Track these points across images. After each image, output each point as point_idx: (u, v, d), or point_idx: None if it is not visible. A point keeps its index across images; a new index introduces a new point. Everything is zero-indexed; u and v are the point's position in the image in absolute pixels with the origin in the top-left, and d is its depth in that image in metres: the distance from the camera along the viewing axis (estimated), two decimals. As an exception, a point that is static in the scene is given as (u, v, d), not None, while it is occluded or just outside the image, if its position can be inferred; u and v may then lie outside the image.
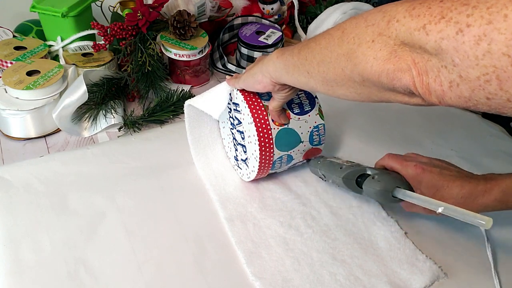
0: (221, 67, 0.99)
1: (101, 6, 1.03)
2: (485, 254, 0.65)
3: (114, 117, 0.81)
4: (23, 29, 0.96)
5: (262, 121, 0.64)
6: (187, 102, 0.71)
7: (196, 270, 0.61)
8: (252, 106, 0.65)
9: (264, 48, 0.96)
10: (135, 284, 0.59)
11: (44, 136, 0.80)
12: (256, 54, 0.96)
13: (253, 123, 0.64)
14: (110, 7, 1.04)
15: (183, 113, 0.87)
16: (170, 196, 0.70)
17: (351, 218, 0.68)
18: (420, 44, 0.36)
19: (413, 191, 0.61)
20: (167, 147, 0.79)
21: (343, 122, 0.88)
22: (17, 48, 0.87)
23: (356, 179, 0.64)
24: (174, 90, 0.88)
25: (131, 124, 0.81)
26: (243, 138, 0.69)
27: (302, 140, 0.68)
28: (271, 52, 0.74)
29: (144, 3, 0.88)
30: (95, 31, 0.89)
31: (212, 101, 0.68)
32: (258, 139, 0.64)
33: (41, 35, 0.95)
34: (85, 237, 0.64)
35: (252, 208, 0.68)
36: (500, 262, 0.64)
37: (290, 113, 0.66)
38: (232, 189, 0.72)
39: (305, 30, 1.06)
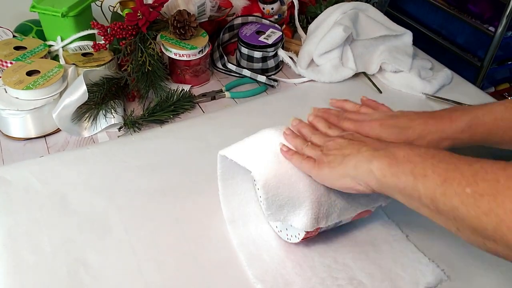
0: (221, 66, 0.99)
1: (101, 6, 1.03)
2: (488, 256, 0.64)
3: (114, 117, 0.81)
4: (23, 29, 0.96)
5: None
6: (222, 153, 0.61)
7: (196, 271, 0.60)
8: None
9: (264, 48, 0.96)
10: (135, 284, 0.59)
11: (44, 136, 0.80)
12: (256, 54, 0.96)
13: None
14: (110, 7, 1.04)
15: (183, 113, 0.88)
16: (170, 196, 0.70)
17: (351, 221, 0.68)
18: None
19: None
20: (167, 147, 0.79)
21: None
22: (17, 48, 0.87)
23: None
24: (174, 90, 0.88)
25: (131, 124, 0.81)
26: None
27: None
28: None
29: (144, 2, 0.88)
30: (95, 31, 0.89)
31: (252, 153, 0.59)
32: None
33: (41, 35, 0.95)
34: (85, 237, 0.64)
35: (254, 210, 0.68)
36: (504, 263, 0.64)
37: None
38: (237, 182, 0.68)
39: (305, 30, 1.06)
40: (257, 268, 0.60)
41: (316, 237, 0.64)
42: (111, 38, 0.86)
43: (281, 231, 0.64)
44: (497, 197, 0.39)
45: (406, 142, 0.57)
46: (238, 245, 0.63)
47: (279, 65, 1.01)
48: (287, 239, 0.63)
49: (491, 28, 1.39)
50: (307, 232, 0.58)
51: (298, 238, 0.60)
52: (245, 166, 0.57)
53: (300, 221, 0.57)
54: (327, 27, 0.97)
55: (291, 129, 0.61)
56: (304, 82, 0.97)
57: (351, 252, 0.63)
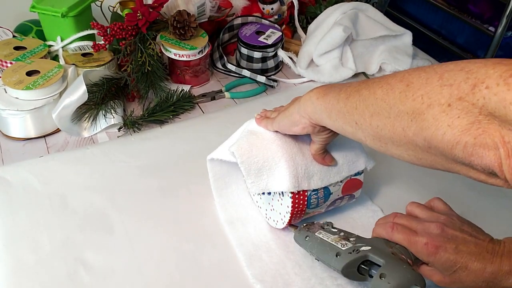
0: (221, 67, 0.99)
1: (100, 6, 1.03)
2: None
3: (114, 117, 0.81)
4: (23, 29, 0.96)
5: None
6: (209, 157, 0.65)
7: (196, 272, 0.61)
8: None
9: (264, 48, 0.96)
10: (135, 284, 0.59)
11: (44, 136, 0.80)
12: (256, 54, 0.96)
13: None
14: (110, 7, 1.04)
15: (182, 113, 0.88)
16: (170, 197, 0.70)
17: (350, 221, 0.68)
18: None
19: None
20: (166, 147, 0.79)
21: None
22: (17, 48, 0.87)
23: (358, 267, 0.52)
24: (174, 90, 0.88)
25: (130, 124, 0.81)
26: None
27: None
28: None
29: (144, 3, 0.88)
30: (95, 31, 0.89)
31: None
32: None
33: (41, 35, 0.95)
34: (85, 237, 0.64)
35: (253, 211, 0.68)
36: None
37: None
38: (233, 191, 0.70)
39: (305, 30, 1.06)
40: (256, 268, 0.60)
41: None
42: (111, 38, 0.86)
43: (270, 217, 0.65)
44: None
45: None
46: (237, 246, 0.63)
47: (279, 65, 1.01)
48: (275, 224, 0.63)
49: (491, 28, 1.39)
50: (293, 208, 0.59)
51: (284, 223, 0.61)
52: (227, 153, 0.61)
53: (281, 183, 0.58)
54: (327, 27, 0.97)
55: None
56: (303, 82, 0.97)
57: None
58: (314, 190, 0.60)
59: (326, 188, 0.61)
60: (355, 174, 0.63)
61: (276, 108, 0.64)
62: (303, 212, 0.61)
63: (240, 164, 0.58)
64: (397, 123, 0.40)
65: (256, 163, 0.58)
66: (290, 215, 0.60)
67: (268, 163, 0.58)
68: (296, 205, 0.59)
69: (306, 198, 0.60)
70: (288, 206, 0.60)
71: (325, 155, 0.59)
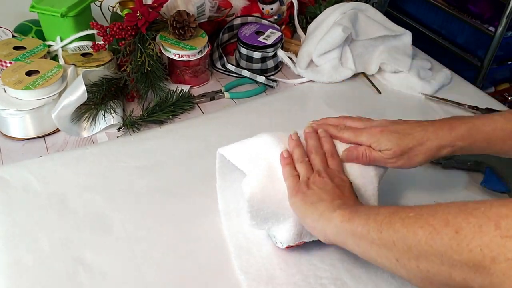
0: (220, 67, 0.99)
1: (100, 6, 1.03)
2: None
3: (113, 117, 0.81)
4: (22, 29, 0.96)
5: None
6: (220, 151, 0.63)
7: (195, 271, 0.61)
8: None
9: (263, 48, 0.96)
10: (135, 284, 0.59)
11: (43, 136, 0.80)
12: (256, 54, 0.96)
13: None
14: (109, 7, 1.04)
15: (182, 113, 0.88)
16: (169, 197, 0.70)
17: None
18: None
19: None
20: (166, 147, 0.79)
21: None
22: (16, 48, 0.87)
23: None
24: (173, 90, 0.88)
25: (130, 124, 0.81)
26: None
27: None
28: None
29: (144, 3, 0.88)
30: (94, 31, 0.89)
31: (248, 157, 0.60)
32: None
33: (41, 35, 0.95)
34: (84, 237, 0.64)
35: None
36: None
37: None
38: (235, 179, 0.68)
39: (304, 30, 1.06)
40: (244, 260, 0.61)
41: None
42: (111, 38, 0.86)
43: (269, 234, 0.64)
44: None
45: (405, 148, 0.57)
46: (229, 236, 0.63)
47: (279, 66, 1.01)
48: (274, 242, 0.63)
49: (491, 28, 1.39)
50: (288, 246, 0.59)
51: (283, 246, 0.60)
52: (241, 169, 0.59)
53: (284, 235, 0.58)
54: (327, 28, 0.97)
55: (297, 135, 0.61)
56: (303, 82, 0.97)
57: (339, 253, 0.62)
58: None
59: None
60: None
61: (360, 118, 0.64)
62: (300, 244, 0.61)
63: (248, 213, 0.57)
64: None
65: (265, 214, 0.57)
66: (284, 248, 0.61)
67: (276, 217, 0.58)
68: (292, 245, 0.60)
69: (302, 243, 0.60)
70: (282, 243, 0.60)
71: None
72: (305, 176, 0.57)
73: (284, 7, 1.10)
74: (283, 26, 1.08)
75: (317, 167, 0.57)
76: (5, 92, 0.78)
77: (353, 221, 0.48)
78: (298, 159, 0.58)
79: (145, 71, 0.85)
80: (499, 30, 1.34)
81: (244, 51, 0.97)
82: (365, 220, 0.47)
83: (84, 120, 0.82)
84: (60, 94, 0.80)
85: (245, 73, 0.95)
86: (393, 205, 0.48)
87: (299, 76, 0.98)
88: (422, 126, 0.59)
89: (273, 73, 1.00)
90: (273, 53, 0.97)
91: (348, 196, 0.54)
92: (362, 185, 0.59)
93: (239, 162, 0.59)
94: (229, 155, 0.61)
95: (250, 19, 1.02)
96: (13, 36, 0.93)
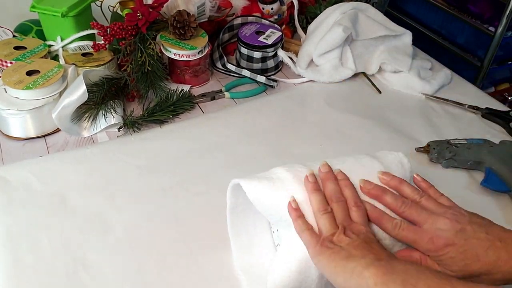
0: (221, 67, 0.99)
1: (101, 6, 1.03)
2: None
3: (113, 117, 0.81)
4: (23, 29, 0.96)
5: None
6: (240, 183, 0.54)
7: (196, 271, 0.61)
8: None
9: (263, 48, 0.96)
10: (134, 284, 0.59)
11: (44, 136, 0.81)
12: (256, 54, 0.96)
13: None
14: (110, 7, 1.04)
15: (182, 113, 0.88)
16: (169, 196, 0.70)
17: None
18: None
19: None
20: (166, 147, 0.79)
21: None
22: (17, 48, 0.87)
23: None
24: (174, 90, 0.88)
25: (130, 124, 0.81)
26: None
27: None
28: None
29: (144, 3, 0.88)
30: (95, 31, 0.89)
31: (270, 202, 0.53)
32: None
33: (41, 35, 0.95)
34: (84, 237, 0.64)
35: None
36: None
37: None
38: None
39: (304, 30, 1.06)
40: (244, 260, 0.60)
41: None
42: (111, 38, 0.86)
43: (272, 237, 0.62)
44: None
45: (469, 275, 0.49)
46: (231, 235, 0.61)
47: (279, 65, 1.01)
48: (276, 245, 0.62)
49: (491, 28, 1.38)
50: None
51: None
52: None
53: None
54: (327, 27, 0.97)
55: (315, 177, 0.53)
56: (303, 82, 0.97)
57: None
58: None
59: None
60: None
61: (429, 187, 0.56)
62: None
63: None
64: None
65: None
66: None
67: None
68: None
69: None
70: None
71: None
72: (329, 231, 0.49)
73: (284, 7, 1.10)
74: (283, 26, 1.08)
75: (341, 221, 0.50)
76: (6, 92, 0.78)
77: (387, 285, 0.44)
78: (319, 209, 0.51)
79: (146, 71, 0.85)
80: (499, 30, 1.34)
81: (244, 51, 0.97)
82: (400, 284, 0.43)
83: (85, 120, 0.82)
84: (60, 94, 0.80)
85: (246, 73, 0.95)
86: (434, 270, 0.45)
87: (299, 76, 0.98)
88: (494, 249, 0.48)
89: (273, 73, 1.00)
90: (273, 53, 0.98)
91: (378, 250, 0.48)
92: (387, 247, 0.52)
93: (262, 207, 0.54)
94: (251, 194, 0.53)
95: (250, 19, 1.02)
96: (14, 36, 0.93)
